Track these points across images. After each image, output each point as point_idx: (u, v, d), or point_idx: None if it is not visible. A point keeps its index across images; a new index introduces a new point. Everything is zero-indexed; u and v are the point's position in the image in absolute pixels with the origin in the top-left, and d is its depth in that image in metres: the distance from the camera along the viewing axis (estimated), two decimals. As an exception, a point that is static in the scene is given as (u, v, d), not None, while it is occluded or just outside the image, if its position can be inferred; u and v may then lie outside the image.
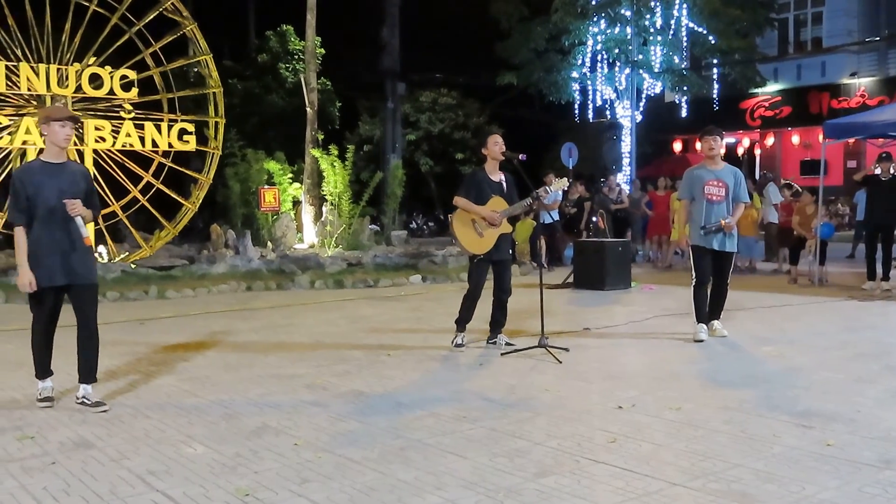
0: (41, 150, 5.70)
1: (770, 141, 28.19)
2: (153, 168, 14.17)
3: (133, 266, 12.86)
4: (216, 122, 14.73)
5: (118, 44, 13.95)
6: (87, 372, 5.21)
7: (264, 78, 26.50)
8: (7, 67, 12.32)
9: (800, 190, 13.21)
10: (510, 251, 7.30)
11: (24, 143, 12.49)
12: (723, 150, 7.61)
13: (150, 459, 4.11)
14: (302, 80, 19.39)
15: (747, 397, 5.21)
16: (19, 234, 5.04)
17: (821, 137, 13.40)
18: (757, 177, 25.62)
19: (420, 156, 31.74)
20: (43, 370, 5.30)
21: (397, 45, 24.93)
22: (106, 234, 13.38)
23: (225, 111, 15.04)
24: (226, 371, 6.29)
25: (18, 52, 12.98)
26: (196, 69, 16.35)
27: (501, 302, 7.16)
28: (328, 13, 20.31)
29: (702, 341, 7.27)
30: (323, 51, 23.75)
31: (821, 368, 6.11)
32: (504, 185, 7.16)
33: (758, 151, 29.04)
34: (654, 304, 9.97)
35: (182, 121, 14.08)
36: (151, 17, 14.13)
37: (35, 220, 5.02)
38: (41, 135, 5.22)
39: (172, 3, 14.07)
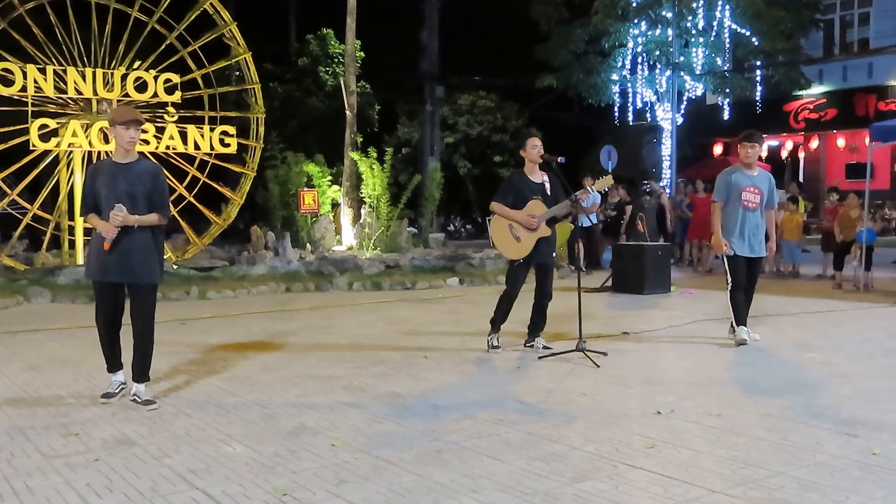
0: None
1: (815, 144, 27.74)
2: (196, 163, 14.40)
3: (175, 267, 13.04)
4: (257, 118, 14.93)
5: (160, 49, 14.19)
6: (140, 371, 5.31)
7: (304, 81, 26.73)
8: (55, 72, 12.60)
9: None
10: (553, 255, 7.19)
11: (71, 145, 12.74)
12: (764, 154, 7.56)
13: (191, 458, 4.16)
14: (341, 83, 19.53)
15: (790, 404, 5.13)
16: (92, 218, 5.16)
17: (867, 140, 13.16)
18: (801, 180, 25.20)
19: (458, 158, 31.76)
20: (111, 364, 5.42)
21: (436, 48, 25.01)
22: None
23: (265, 114, 15.23)
24: (265, 371, 6.35)
25: (56, 56, 13.24)
26: (238, 72, 16.56)
27: (542, 306, 7.06)
28: (368, 17, 20.43)
29: (745, 342, 7.19)
30: (363, 54, 23.89)
31: (866, 376, 5.99)
32: (547, 185, 6.97)
33: (802, 154, 28.59)
34: (694, 309, 9.85)
35: (223, 117, 14.29)
36: (192, 17, 14.35)
37: (101, 215, 5.13)
38: (108, 136, 5.30)
39: (212, 4, 14.25)
